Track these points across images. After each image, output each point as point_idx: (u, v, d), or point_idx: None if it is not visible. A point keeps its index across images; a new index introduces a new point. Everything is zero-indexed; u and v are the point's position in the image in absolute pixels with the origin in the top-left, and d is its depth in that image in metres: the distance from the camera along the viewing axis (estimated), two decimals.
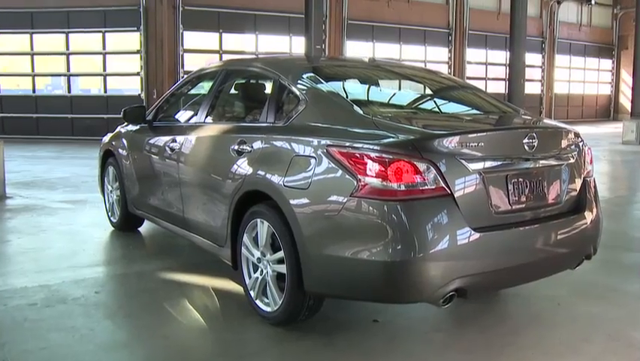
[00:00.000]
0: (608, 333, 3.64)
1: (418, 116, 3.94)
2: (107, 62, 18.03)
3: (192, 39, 18.19)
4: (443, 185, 3.05)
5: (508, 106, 4.22)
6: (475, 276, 3.11)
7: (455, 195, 3.07)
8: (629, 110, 20.41)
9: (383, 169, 3.01)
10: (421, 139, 3.15)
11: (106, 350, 3.36)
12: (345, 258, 3.12)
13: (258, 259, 3.70)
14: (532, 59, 25.54)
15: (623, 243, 5.74)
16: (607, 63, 30.68)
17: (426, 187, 3.02)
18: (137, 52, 17.57)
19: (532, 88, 25.89)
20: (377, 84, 4.38)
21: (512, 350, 3.42)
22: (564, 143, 3.63)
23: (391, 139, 3.12)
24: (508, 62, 18.25)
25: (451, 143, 3.12)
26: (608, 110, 30.96)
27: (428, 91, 4.48)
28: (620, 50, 30.09)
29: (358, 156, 3.10)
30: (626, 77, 28.90)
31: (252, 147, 3.80)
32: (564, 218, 3.52)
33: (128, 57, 18.00)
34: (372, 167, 3.04)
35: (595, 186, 3.86)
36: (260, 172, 3.67)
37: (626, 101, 28.50)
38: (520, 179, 3.34)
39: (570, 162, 3.63)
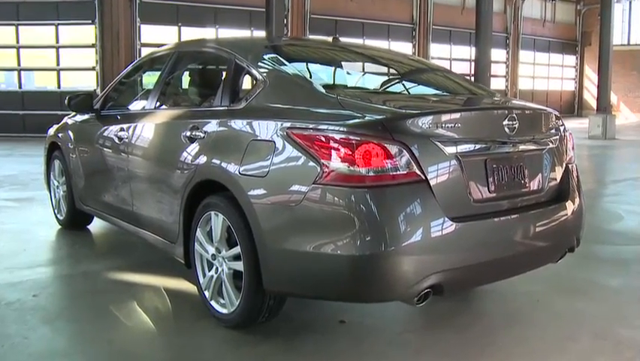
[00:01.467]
0: (593, 331, 3.40)
1: (387, 97, 3.63)
2: (60, 57, 17.31)
3: (150, 33, 17.52)
4: (417, 170, 2.74)
5: (482, 88, 3.94)
6: (452, 271, 2.80)
7: (430, 182, 2.76)
8: (593, 106, 20.54)
9: (350, 153, 2.68)
10: (391, 119, 2.83)
11: (40, 360, 2.97)
12: (308, 253, 2.79)
13: (213, 255, 3.36)
14: (497, 54, 25.55)
15: (596, 235, 5.52)
16: (571, 59, 30.92)
17: (398, 172, 2.70)
18: (92, 46, 16.88)
19: (496, 84, 25.90)
20: (342, 65, 4.05)
21: (493, 350, 3.14)
22: (546, 126, 3.36)
23: (359, 119, 2.80)
24: (472, 58, 18.14)
25: (425, 123, 2.81)
26: (572, 106, 31.19)
27: (397, 72, 4.17)
28: (583, 47, 30.38)
29: (322, 138, 2.78)
30: (590, 73, 29.18)
31: (205, 132, 3.46)
32: (546, 207, 3.25)
33: (82, 51, 17.26)
34: (338, 150, 2.71)
35: (577, 174, 3.59)
36: (213, 160, 3.33)
37: (590, 97, 28.77)
38: (500, 164, 3.05)
39: (552, 146, 3.36)
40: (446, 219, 2.76)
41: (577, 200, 3.44)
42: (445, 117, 2.89)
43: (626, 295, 4.03)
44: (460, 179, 2.88)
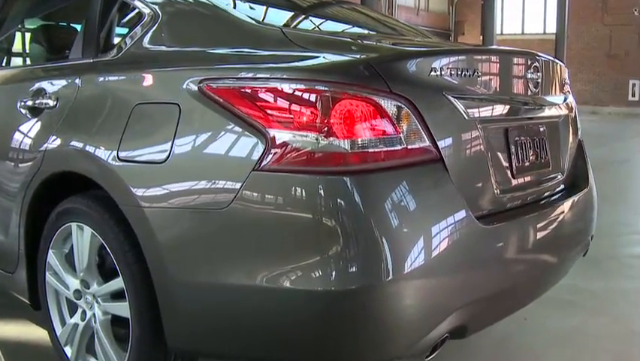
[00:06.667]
0: (611, 357, 2.57)
1: (360, 37, 2.49)
2: None
3: None
4: (428, 142, 1.66)
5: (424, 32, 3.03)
6: (481, 302, 1.76)
7: (446, 162, 1.70)
8: None
9: (318, 114, 1.57)
10: (384, 59, 1.75)
11: None
12: (247, 287, 1.64)
13: (77, 292, 2.13)
14: None
15: None
16: None
17: (399, 147, 1.62)
18: None
19: None
20: (275, 5, 2.84)
21: None
22: (562, 84, 2.41)
23: (330, 60, 1.68)
24: None
25: (436, 68, 1.73)
26: None
27: (356, 15, 3.04)
28: (457, 36, 30.84)
29: (266, 93, 1.64)
30: None
31: (58, 98, 2.22)
32: (569, 196, 2.30)
33: None
34: (296, 113, 1.59)
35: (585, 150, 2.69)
36: (73, 141, 2.10)
37: None
38: (522, 136, 2.07)
39: (567, 113, 2.43)
40: (472, 219, 1.71)
41: (591, 183, 2.54)
42: (461, 59, 1.83)
43: (622, 303, 3.28)
44: (483, 157, 1.85)
